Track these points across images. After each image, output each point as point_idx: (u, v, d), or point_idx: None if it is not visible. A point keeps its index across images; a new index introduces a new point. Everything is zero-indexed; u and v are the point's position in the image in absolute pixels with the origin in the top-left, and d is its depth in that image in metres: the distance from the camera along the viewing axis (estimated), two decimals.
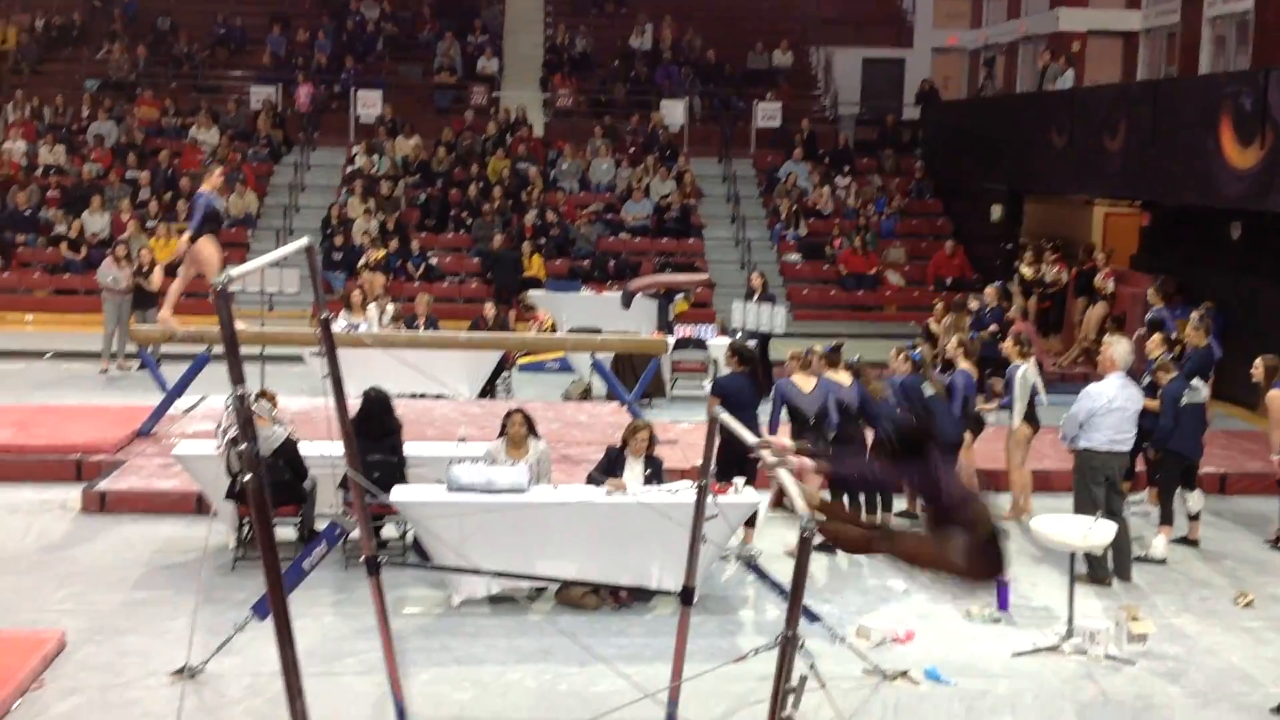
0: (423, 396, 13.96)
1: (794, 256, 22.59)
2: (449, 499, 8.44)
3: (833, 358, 10.28)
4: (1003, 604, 8.79)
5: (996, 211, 21.79)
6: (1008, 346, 11.35)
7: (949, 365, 11.81)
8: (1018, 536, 10.54)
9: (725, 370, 10.61)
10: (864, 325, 20.27)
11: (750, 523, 9.60)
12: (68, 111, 23.94)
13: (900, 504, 10.79)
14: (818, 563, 9.48)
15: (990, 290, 15.99)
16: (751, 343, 13.18)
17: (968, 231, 23.02)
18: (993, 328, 14.82)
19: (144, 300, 16.49)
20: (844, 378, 10.16)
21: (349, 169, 23.19)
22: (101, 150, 22.82)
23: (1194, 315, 12.68)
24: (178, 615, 8.29)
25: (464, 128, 24.23)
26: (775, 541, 9.88)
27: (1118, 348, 9.56)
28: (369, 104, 24.42)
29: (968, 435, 10.70)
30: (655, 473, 9.08)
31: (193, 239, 11.29)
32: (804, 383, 9.97)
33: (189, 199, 21.43)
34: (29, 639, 7.59)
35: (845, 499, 10.06)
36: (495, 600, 8.61)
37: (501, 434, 9.33)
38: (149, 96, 24.46)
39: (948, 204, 24.10)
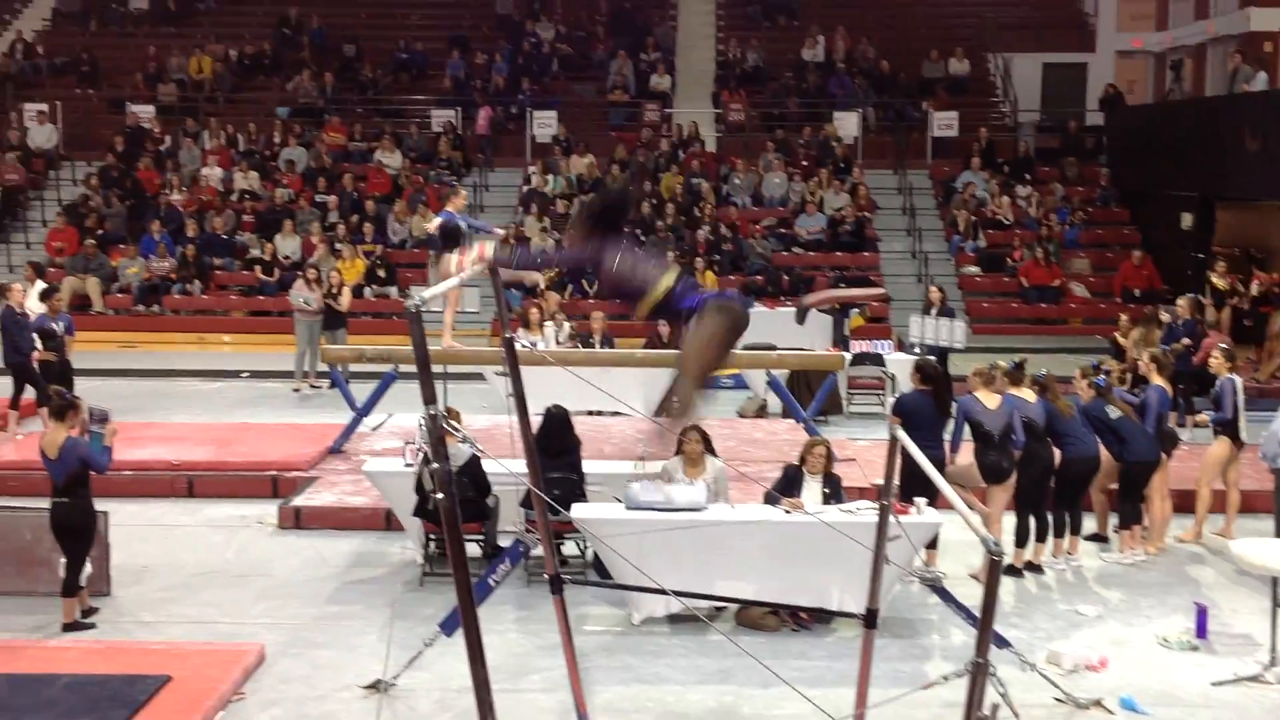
0: (599, 414, 14.11)
1: (973, 269, 22.16)
2: (628, 517, 8.51)
3: (1016, 375, 10.04)
4: (1201, 631, 8.46)
5: (1187, 219, 21.01)
6: (1215, 360, 10.91)
7: (1140, 380, 11.43)
8: (1216, 561, 10.15)
9: (908, 387, 10.45)
10: (1047, 339, 19.75)
11: (933, 545, 9.44)
12: (260, 138, 24.92)
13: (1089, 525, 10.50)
14: (1005, 586, 9.26)
15: (1183, 302, 15.43)
16: (933, 358, 12.96)
17: (1156, 240, 22.23)
18: (1185, 341, 14.31)
19: (333, 321, 17.06)
20: (1029, 394, 9.91)
21: (525, 188, 23.61)
22: (292, 175, 23.69)
23: None
24: (369, 629, 8.54)
25: (637, 145, 24.45)
26: (958, 563, 9.69)
27: None
28: (544, 124, 24.85)
29: (1163, 455, 10.33)
30: (834, 491, 9.00)
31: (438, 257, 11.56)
32: (988, 399, 9.75)
33: (373, 220, 22.17)
34: (232, 652, 7.91)
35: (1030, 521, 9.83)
36: (675, 619, 8.64)
37: (678, 452, 9.36)
38: (336, 122, 25.30)
39: (1134, 212, 23.33)
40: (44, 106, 25.05)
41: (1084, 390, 10.23)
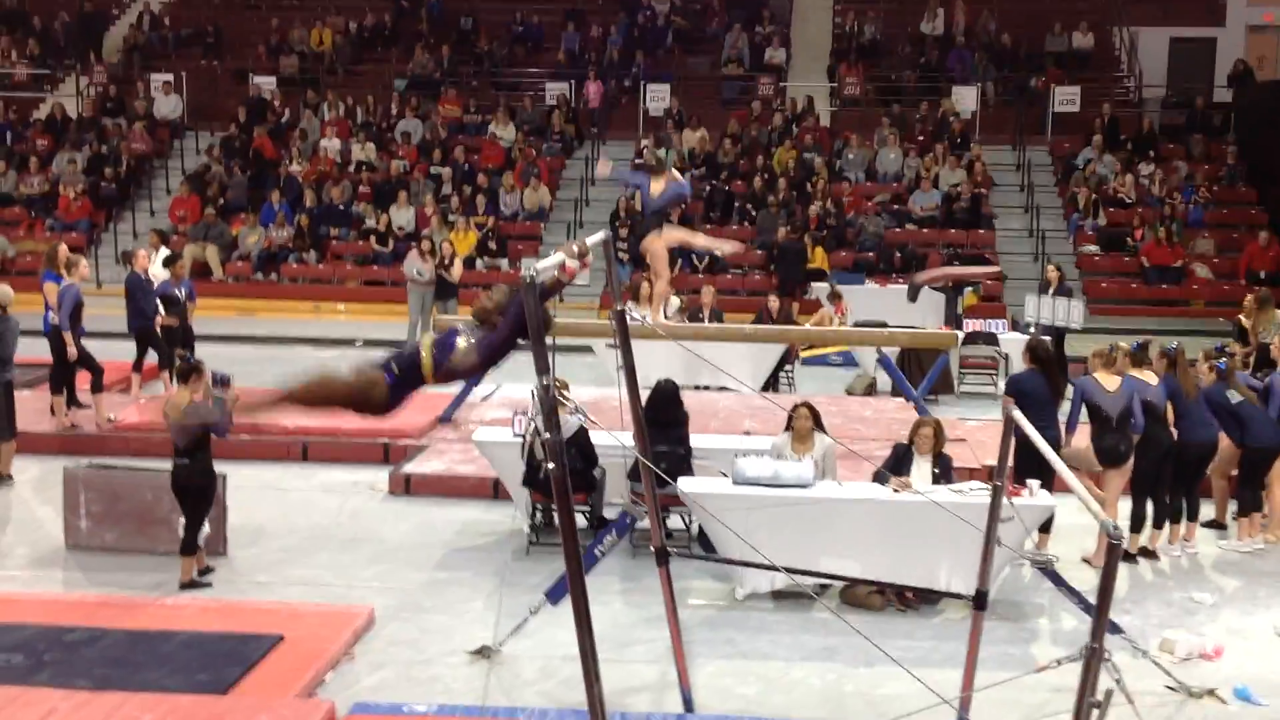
0: (706, 388, 14.10)
1: (1092, 248, 21.66)
2: (734, 492, 8.49)
3: (1140, 355, 9.80)
4: None
5: None
6: None
7: (1268, 364, 11.10)
8: None
9: (1020, 367, 10.26)
10: (1168, 321, 19.25)
11: (1045, 528, 9.28)
12: (377, 110, 25.25)
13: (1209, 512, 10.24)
14: (1119, 571, 9.06)
15: None
16: (1047, 339, 12.71)
17: None
18: None
19: (445, 291, 17.25)
20: (1150, 377, 9.67)
21: (637, 162, 23.57)
22: (408, 147, 23.97)
23: None
24: (476, 596, 8.65)
25: (750, 119, 24.29)
26: (1072, 547, 9.51)
27: None
28: (657, 97, 24.80)
29: None
30: (944, 471, 8.89)
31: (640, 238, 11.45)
32: (1107, 381, 9.52)
33: (485, 193, 22.36)
34: (343, 614, 8.06)
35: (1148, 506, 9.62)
36: (779, 595, 8.61)
37: (787, 428, 9.32)
38: (452, 95, 25.52)
39: (1263, 192, 22.59)
40: (169, 77, 25.64)
41: (1206, 374, 9.97)
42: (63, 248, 12.52)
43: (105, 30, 28.86)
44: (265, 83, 25.68)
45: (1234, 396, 9.82)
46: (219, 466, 8.99)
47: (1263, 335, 13.15)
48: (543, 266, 5.02)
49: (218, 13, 28.66)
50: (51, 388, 12.30)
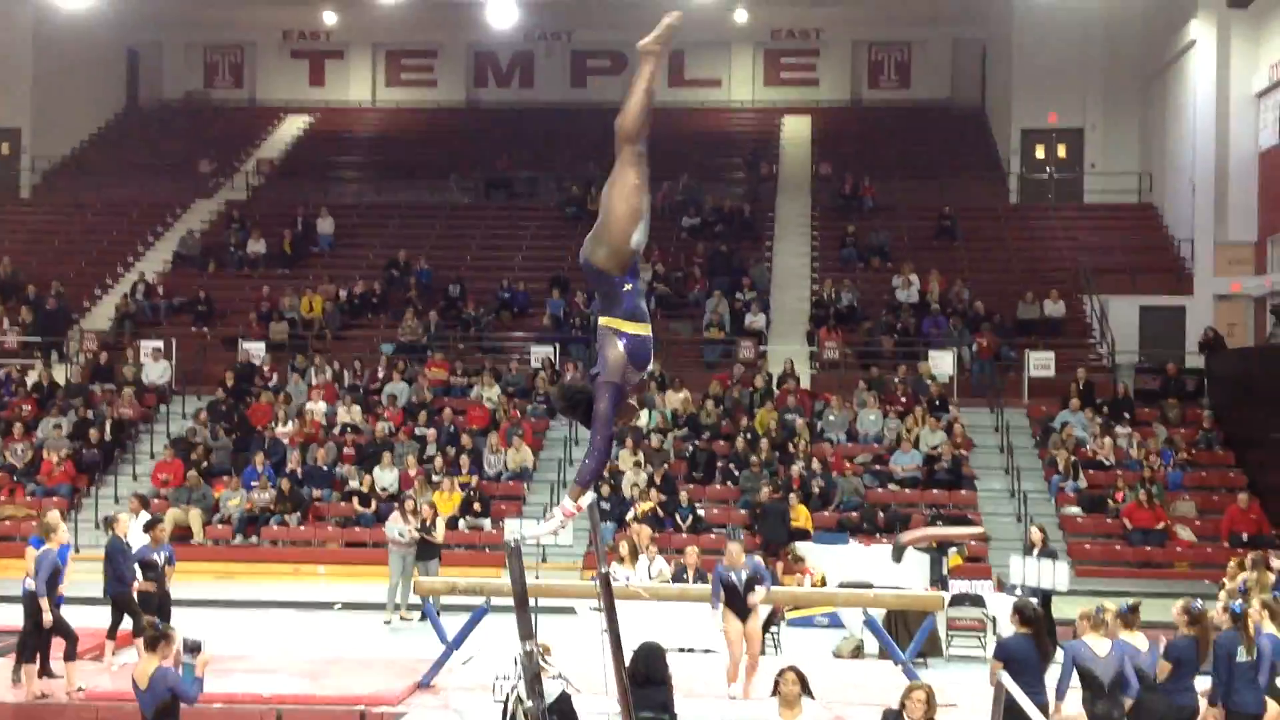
0: (692, 651, 13.87)
1: (1074, 509, 21.73)
2: None
3: (1129, 617, 9.71)
4: None
5: None
6: None
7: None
8: None
9: (1008, 630, 10.15)
10: (1152, 583, 19.13)
11: None
12: (364, 373, 25.61)
13: None
14: None
15: None
16: (1034, 600, 12.62)
17: (1264, 484, 21.70)
18: None
19: (427, 552, 17.15)
20: (1141, 640, 9.55)
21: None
22: (394, 409, 24.20)
23: None
24: None
25: (732, 381, 24.70)
26: None
27: None
28: None
29: (1272, 704, 9.82)
30: None
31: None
32: (1097, 644, 9.40)
33: (469, 453, 22.47)
34: None
35: None
36: None
37: (774, 693, 9.14)
38: (438, 358, 25.97)
39: (1240, 455, 22.86)
40: (159, 344, 26.05)
41: (1220, 616, 9.82)
42: (53, 514, 12.51)
43: (97, 300, 29.48)
44: (254, 348, 26.09)
45: (1241, 654, 9.60)
46: None
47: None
48: (529, 532, 5.04)
49: (210, 282, 29.35)
50: (23, 655, 12.04)
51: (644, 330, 6.54)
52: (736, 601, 11.77)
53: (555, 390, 6.76)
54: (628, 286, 6.60)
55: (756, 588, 11.76)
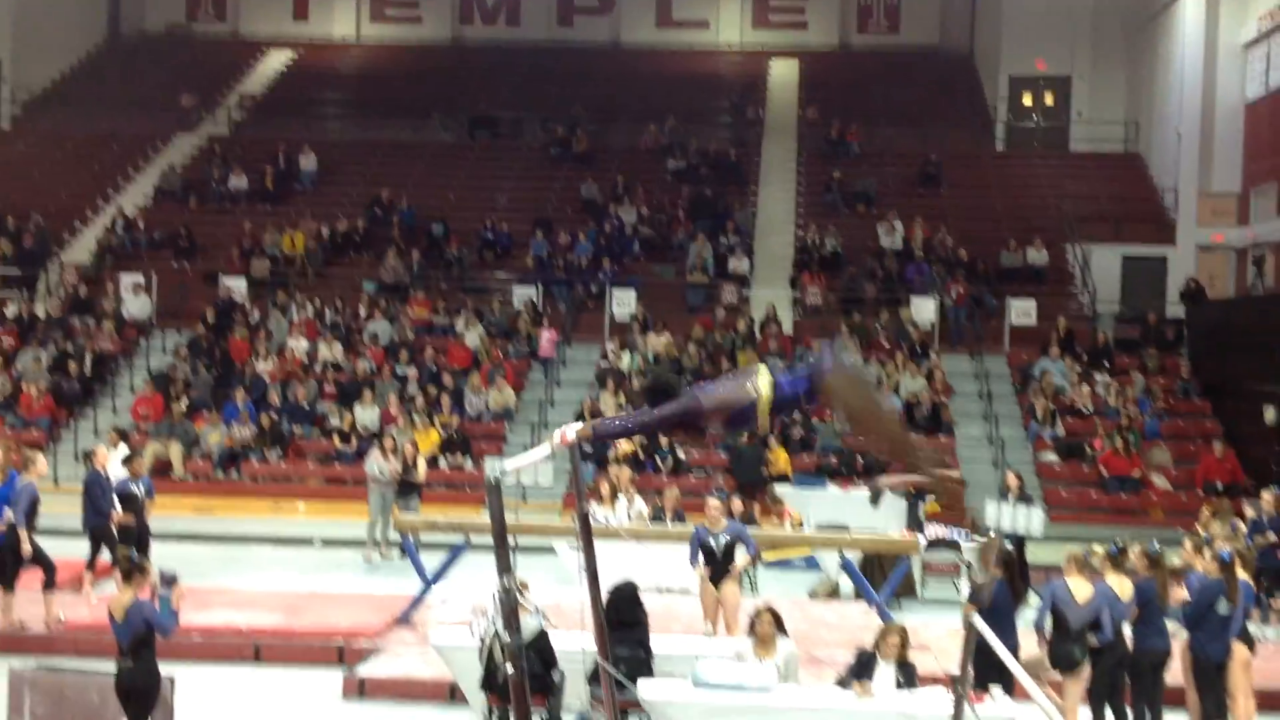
0: (669, 591, 13.97)
1: (1051, 456, 21.89)
2: (695, 696, 8.36)
3: (1119, 559, 9.79)
4: None
5: (1270, 414, 20.70)
6: None
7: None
8: None
9: (980, 575, 10.25)
10: (1126, 530, 19.30)
11: None
12: (346, 311, 25.55)
13: None
14: None
15: (1269, 496, 15.07)
16: (1008, 545, 12.74)
17: (1239, 434, 21.88)
18: (1271, 536, 13.95)
19: (407, 489, 17.20)
20: (1126, 584, 9.62)
21: (602, 364, 23.87)
22: (375, 348, 24.18)
23: None
24: None
25: (714, 325, 24.72)
26: None
27: None
28: (623, 302, 25.24)
29: (1240, 648, 9.94)
30: (908, 678, 8.81)
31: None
32: (1078, 588, 9.46)
33: (450, 393, 22.51)
34: None
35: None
36: None
37: (750, 632, 9.24)
38: (421, 297, 25.91)
39: (1216, 404, 23.03)
40: (140, 278, 25.92)
41: (1209, 565, 9.91)
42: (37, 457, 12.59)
43: (78, 233, 29.28)
44: (235, 284, 25.99)
45: (1223, 606, 9.67)
46: (168, 668, 8.78)
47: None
48: (511, 464, 5.07)
49: (191, 217, 29.16)
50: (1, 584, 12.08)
51: (761, 415, 6.08)
52: (714, 565, 11.60)
53: (652, 369, 6.64)
54: None
55: (738, 554, 11.59)
